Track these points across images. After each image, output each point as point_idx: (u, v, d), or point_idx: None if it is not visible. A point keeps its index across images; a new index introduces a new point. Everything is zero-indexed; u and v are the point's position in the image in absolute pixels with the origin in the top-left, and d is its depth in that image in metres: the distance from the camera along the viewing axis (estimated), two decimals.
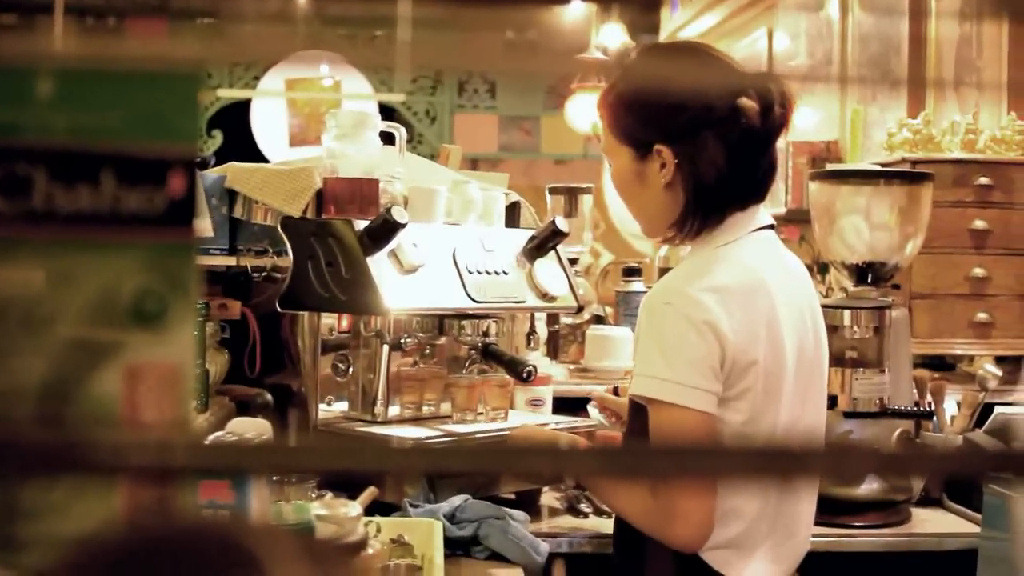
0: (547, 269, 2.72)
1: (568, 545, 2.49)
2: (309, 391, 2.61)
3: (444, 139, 8.49)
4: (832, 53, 5.06)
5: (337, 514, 1.81)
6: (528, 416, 2.83)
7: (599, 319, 3.84)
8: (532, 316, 2.93)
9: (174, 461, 0.61)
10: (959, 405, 2.94)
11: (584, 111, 6.11)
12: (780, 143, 2.11)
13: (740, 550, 2.01)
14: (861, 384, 2.62)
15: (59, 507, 0.71)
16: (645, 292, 3.44)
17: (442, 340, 2.66)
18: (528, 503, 2.62)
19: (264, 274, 2.72)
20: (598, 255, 5.98)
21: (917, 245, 2.90)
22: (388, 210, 2.40)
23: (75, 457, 0.58)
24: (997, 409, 2.82)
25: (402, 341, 2.59)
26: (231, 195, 2.82)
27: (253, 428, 2.01)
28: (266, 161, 4.63)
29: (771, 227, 2.13)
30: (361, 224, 2.43)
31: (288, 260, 2.54)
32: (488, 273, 2.60)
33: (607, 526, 2.41)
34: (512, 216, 2.95)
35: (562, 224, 2.70)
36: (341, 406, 2.63)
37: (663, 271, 3.96)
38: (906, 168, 3.36)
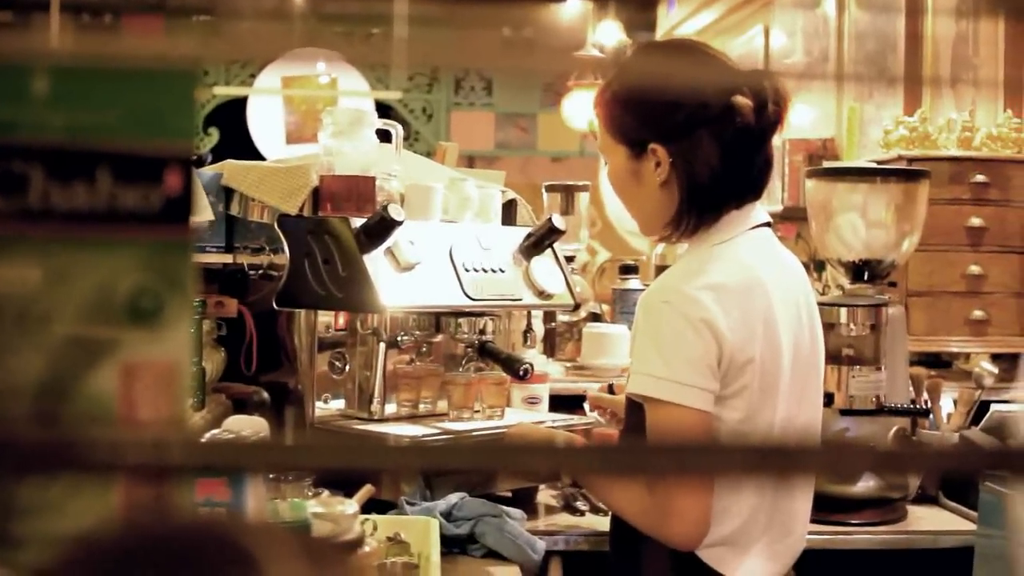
0: (544, 267, 2.72)
1: (565, 543, 2.49)
2: (305, 389, 2.61)
3: (440, 136, 8.48)
4: (828, 50, 5.06)
5: (333, 512, 1.81)
6: (524, 414, 2.83)
7: (595, 317, 3.84)
8: (529, 314, 2.93)
9: (170, 459, 0.61)
10: (955, 403, 2.94)
11: (581, 109, 6.11)
12: (776, 141, 2.11)
13: (736, 547, 2.01)
14: (857, 382, 2.63)
15: (56, 505, 0.71)
16: (641, 290, 3.44)
17: (439, 338, 2.66)
18: (524, 501, 2.62)
19: (260, 272, 2.72)
20: (595, 253, 5.98)
21: (913, 243, 2.90)
22: (385, 208, 2.40)
23: (72, 455, 0.58)
24: (993, 407, 2.82)
25: (399, 339, 2.59)
26: (227, 193, 2.82)
27: (249, 426, 2.02)
28: (262, 159, 4.63)
29: (768, 225, 2.13)
30: (358, 222, 2.43)
31: (284, 258, 2.54)
32: (485, 271, 2.60)
33: (603, 524, 2.41)
34: (508, 214, 2.95)
35: (558, 222, 2.70)
36: (338, 404, 2.63)
37: (660, 269, 3.97)
38: (902, 166, 3.36)
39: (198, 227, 2.58)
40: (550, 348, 3.66)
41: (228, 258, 2.82)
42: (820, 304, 2.22)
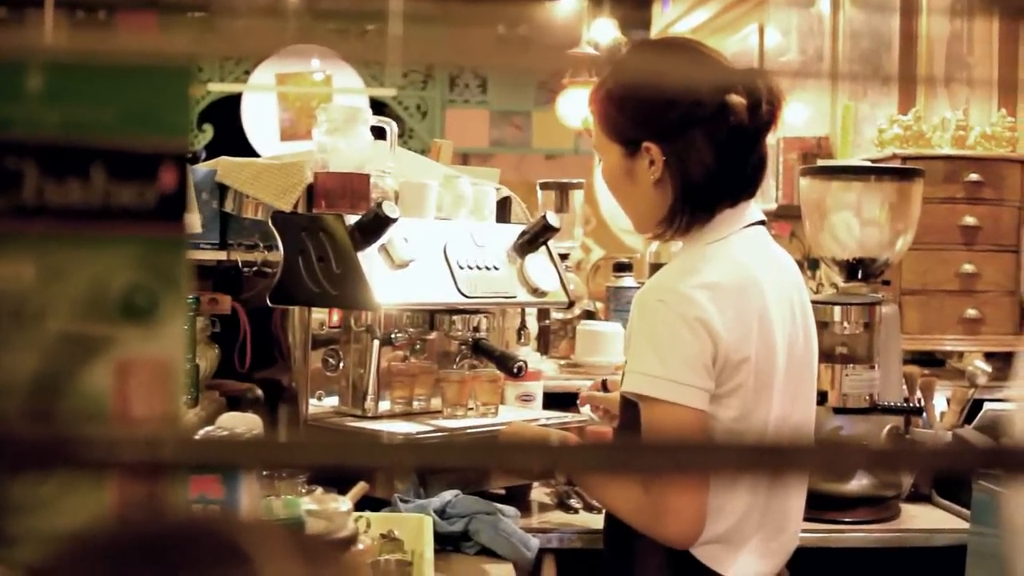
0: (538, 264, 2.72)
1: (558, 540, 2.50)
2: (299, 386, 2.61)
3: (435, 134, 8.48)
4: (823, 49, 5.06)
5: (327, 509, 1.81)
6: (518, 411, 2.83)
7: (590, 314, 3.84)
8: (523, 311, 2.93)
9: (164, 456, 0.61)
10: (949, 401, 2.95)
11: (575, 106, 6.10)
12: (770, 139, 2.11)
13: (729, 545, 2.02)
14: (851, 380, 2.63)
15: (49, 502, 0.71)
16: (636, 288, 3.45)
17: (433, 335, 2.66)
18: (518, 499, 2.62)
19: (255, 269, 2.72)
20: (589, 250, 5.98)
21: (907, 241, 2.90)
22: (379, 205, 2.40)
23: (65, 452, 0.58)
24: (987, 405, 2.82)
25: (393, 336, 2.59)
26: (222, 189, 2.81)
27: (243, 423, 2.01)
28: (257, 155, 4.62)
29: (762, 223, 2.13)
30: (352, 219, 2.43)
31: (279, 255, 2.54)
32: (479, 268, 2.60)
33: (597, 522, 2.41)
34: (503, 211, 2.95)
35: (553, 219, 2.70)
36: (331, 401, 2.63)
37: (654, 267, 3.96)
38: (896, 164, 3.37)
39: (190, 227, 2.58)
40: (544, 346, 3.66)
41: (222, 255, 2.82)
42: (814, 302, 2.23)
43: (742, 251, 2.05)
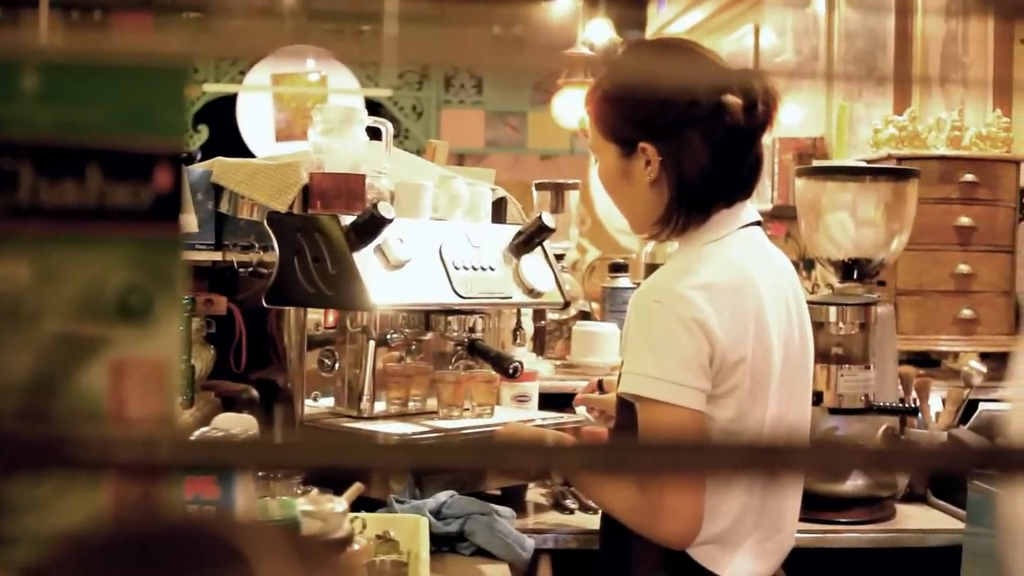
0: (533, 265, 2.72)
1: (554, 541, 2.50)
2: (295, 387, 2.60)
3: (431, 134, 8.48)
4: (818, 49, 5.07)
5: (323, 510, 1.81)
6: (514, 412, 2.83)
7: (585, 315, 3.84)
8: (518, 312, 2.93)
9: (160, 457, 0.60)
10: (944, 401, 2.95)
11: (571, 107, 6.11)
12: (766, 139, 2.11)
13: (725, 546, 2.02)
14: (846, 380, 2.63)
15: (45, 503, 0.71)
16: (631, 288, 3.45)
17: (428, 336, 2.66)
18: (514, 499, 2.62)
19: (250, 269, 2.71)
20: (584, 251, 5.98)
21: (903, 242, 2.91)
22: (375, 205, 2.40)
23: (61, 453, 0.58)
24: (982, 405, 2.83)
25: (388, 337, 2.59)
26: (217, 190, 2.81)
27: (239, 424, 2.01)
28: (252, 156, 4.62)
29: (758, 224, 2.13)
30: (347, 219, 2.43)
31: (274, 255, 2.54)
32: (474, 269, 2.60)
33: (593, 522, 2.41)
34: (499, 212, 2.95)
35: (548, 220, 2.70)
36: (327, 402, 2.63)
37: (649, 267, 3.97)
38: (892, 165, 3.37)
39: (186, 227, 2.58)
40: (540, 346, 3.66)
41: (218, 255, 2.82)
42: (809, 303, 2.23)
43: (738, 252, 2.05)
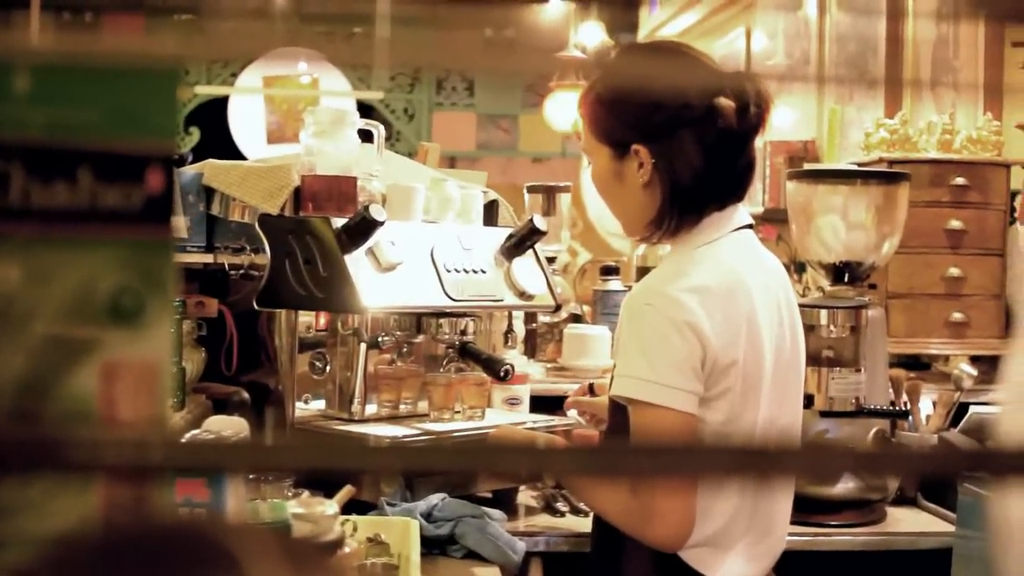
0: (525, 267, 2.72)
1: (545, 544, 2.49)
2: (286, 389, 2.60)
3: (422, 137, 8.48)
4: (810, 53, 5.07)
5: (314, 513, 1.81)
6: (505, 415, 2.83)
7: (577, 318, 3.84)
8: (510, 315, 2.93)
9: (150, 459, 0.60)
10: (934, 404, 2.95)
11: (562, 109, 6.11)
12: (758, 142, 2.11)
13: (717, 548, 2.02)
14: (837, 383, 2.63)
15: (35, 505, 0.70)
16: (623, 291, 3.45)
17: (420, 338, 2.66)
18: (505, 502, 2.62)
19: (241, 272, 2.71)
20: (576, 254, 5.97)
21: (893, 245, 2.91)
22: (366, 208, 2.40)
23: (51, 455, 0.58)
24: (972, 409, 2.83)
25: (379, 339, 2.59)
26: (208, 192, 2.81)
27: (230, 426, 2.01)
28: (244, 158, 4.61)
29: (750, 227, 2.13)
30: (339, 222, 2.43)
31: (265, 258, 2.53)
32: (466, 271, 2.60)
33: (584, 525, 2.41)
34: (490, 214, 2.95)
35: (540, 223, 2.70)
36: (318, 404, 2.63)
37: (641, 270, 3.96)
38: (883, 168, 3.38)
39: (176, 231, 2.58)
40: (531, 349, 3.66)
41: (209, 258, 2.82)
42: (801, 306, 2.23)
43: (730, 255, 2.05)
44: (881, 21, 4.42)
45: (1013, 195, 3.52)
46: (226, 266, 2.76)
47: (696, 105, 2.02)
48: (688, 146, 2.03)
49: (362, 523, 2.09)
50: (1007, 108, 3.80)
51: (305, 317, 2.59)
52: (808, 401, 2.53)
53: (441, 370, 2.64)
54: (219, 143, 8.04)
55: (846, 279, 2.86)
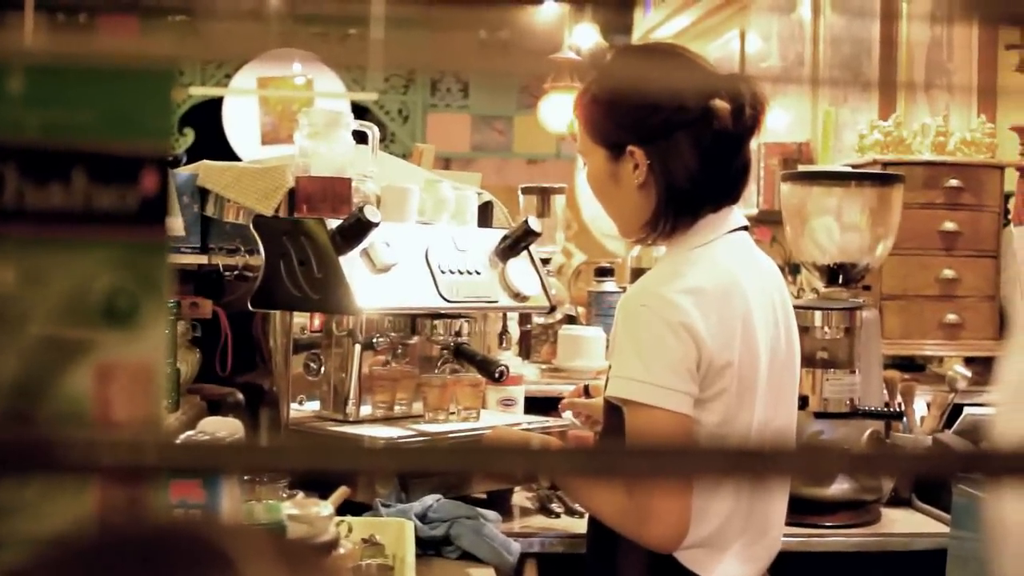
0: (519, 269, 2.72)
1: (540, 545, 2.49)
2: (281, 390, 2.60)
3: (417, 138, 8.47)
4: (804, 55, 5.08)
5: (309, 514, 1.81)
6: (500, 416, 2.83)
7: (571, 319, 3.84)
8: (504, 316, 2.93)
9: (145, 460, 0.60)
10: (929, 406, 2.95)
11: (557, 111, 6.10)
12: (753, 144, 2.12)
13: (712, 549, 2.02)
14: (832, 385, 2.64)
15: (30, 506, 0.70)
16: (617, 292, 3.45)
17: (414, 339, 2.66)
18: (500, 503, 2.62)
19: (236, 273, 2.71)
20: (570, 255, 5.98)
21: (888, 247, 2.91)
22: (360, 209, 2.40)
23: (46, 456, 0.58)
24: (966, 410, 2.83)
25: (374, 340, 2.59)
26: (203, 193, 2.81)
27: (224, 427, 2.01)
28: (238, 159, 4.61)
29: (745, 228, 2.13)
30: (333, 223, 2.43)
31: (260, 259, 2.53)
32: (461, 273, 2.60)
33: (579, 526, 2.41)
34: (485, 216, 2.95)
35: (534, 224, 2.70)
36: (313, 405, 2.63)
37: (635, 272, 3.96)
38: (877, 170, 3.38)
39: (172, 231, 2.58)
40: (526, 350, 3.66)
41: (203, 259, 2.81)
42: (795, 307, 2.23)
43: (725, 256, 2.05)
44: (875, 23, 4.42)
45: (1007, 197, 3.52)
46: (220, 267, 2.76)
47: (692, 107, 2.02)
48: (683, 148, 2.03)
49: (357, 524, 2.09)
50: (1001, 110, 3.80)
51: (300, 318, 2.59)
52: (803, 402, 2.53)
53: (436, 371, 2.64)
54: (213, 144, 8.03)
55: (840, 281, 2.86)
